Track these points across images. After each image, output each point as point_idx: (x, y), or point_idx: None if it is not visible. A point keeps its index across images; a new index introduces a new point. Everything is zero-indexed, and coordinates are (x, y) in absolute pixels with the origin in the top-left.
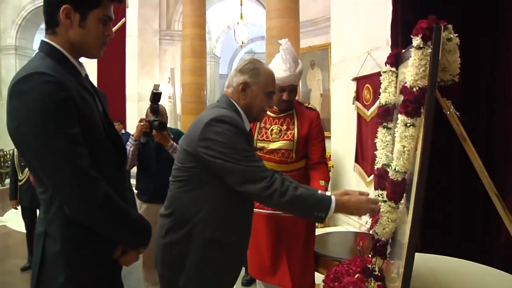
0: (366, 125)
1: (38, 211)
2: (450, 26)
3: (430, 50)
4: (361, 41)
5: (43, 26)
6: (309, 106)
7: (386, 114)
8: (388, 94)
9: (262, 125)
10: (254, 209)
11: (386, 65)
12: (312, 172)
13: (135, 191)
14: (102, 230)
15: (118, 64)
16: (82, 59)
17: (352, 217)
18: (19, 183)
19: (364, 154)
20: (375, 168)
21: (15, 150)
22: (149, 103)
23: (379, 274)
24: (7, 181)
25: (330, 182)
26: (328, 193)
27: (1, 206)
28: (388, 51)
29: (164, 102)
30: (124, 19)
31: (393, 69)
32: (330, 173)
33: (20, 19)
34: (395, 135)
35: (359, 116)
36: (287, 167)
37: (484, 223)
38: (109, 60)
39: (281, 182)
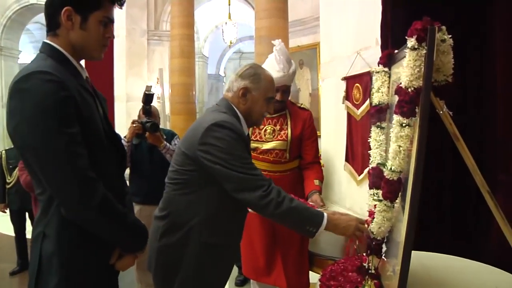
0: (356, 124)
1: (27, 214)
2: (444, 27)
3: (424, 51)
4: (350, 40)
5: (29, 26)
6: (302, 106)
7: (379, 114)
8: (381, 94)
9: None
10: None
11: (378, 65)
12: (306, 172)
13: None
14: (99, 232)
15: (106, 65)
16: None
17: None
18: (7, 186)
19: (354, 153)
20: (370, 168)
21: (3, 152)
22: (139, 103)
23: (374, 273)
24: None
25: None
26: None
27: None
28: (377, 50)
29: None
30: None
31: (386, 69)
32: None
33: (5, 19)
34: (389, 134)
35: (349, 116)
36: (281, 167)
37: (475, 222)
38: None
39: (278, 193)
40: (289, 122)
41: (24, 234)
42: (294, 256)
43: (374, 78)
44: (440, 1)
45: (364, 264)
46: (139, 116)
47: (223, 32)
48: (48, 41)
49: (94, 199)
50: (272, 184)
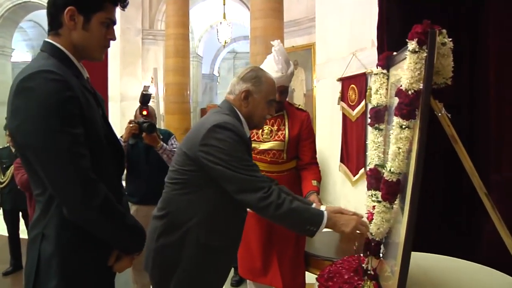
0: (351, 125)
1: (20, 214)
2: (444, 30)
3: (425, 54)
4: (346, 41)
5: (22, 24)
6: (300, 107)
7: (377, 116)
8: (379, 96)
9: None
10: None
11: (377, 67)
12: (304, 173)
13: None
14: (99, 233)
15: (100, 64)
16: None
17: None
18: (1, 186)
19: (349, 154)
20: (368, 169)
21: None
22: (133, 103)
23: (373, 273)
24: None
25: None
26: (322, 207)
27: None
28: (373, 52)
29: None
30: None
31: (384, 71)
32: None
33: None
34: (388, 136)
35: (344, 116)
36: (278, 168)
37: (468, 222)
38: None
39: (278, 194)
40: (286, 123)
41: (18, 234)
42: (290, 257)
43: (372, 79)
44: (437, 3)
45: (363, 265)
46: (135, 116)
47: (217, 32)
48: (50, 40)
49: (96, 200)
50: (272, 185)
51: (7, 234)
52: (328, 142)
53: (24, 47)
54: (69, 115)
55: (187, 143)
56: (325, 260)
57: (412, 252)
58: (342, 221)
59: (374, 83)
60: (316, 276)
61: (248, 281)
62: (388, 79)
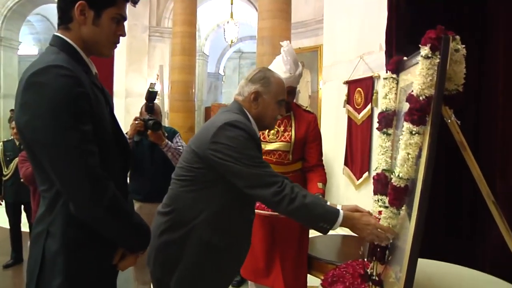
0: (356, 128)
1: (22, 206)
2: (458, 37)
3: (438, 60)
4: (353, 45)
5: (29, 17)
6: (307, 108)
7: (386, 120)
8: (388, 101)
9: None
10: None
11: (387, 72)
12: (309, 175)
13: None
14: (105, 231)
15: (106, 60)
16: None
17: None
18: (4, 178)
19: (353, 157)
20: (375, 174)
21: (1, 144)
22: (138, 100)
23: (377, 279)
24: None
25: None
26: (338, 206)
27: None
28: (381, 56)
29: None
30: None
31: (394, 75)
32: None
33: (6, 9)
34: (398, 142)
35: (350, 119)
36: (283, 169)
37: (472, 228)
38: None
39: (291, 189)
40: (293, 124)
41: (19, 227)
42: (292, 259)
43: (381, 84)
44: (447, 7)
45: (367, 270)
46: (141, 113)
47: (224, 31)
48: (59, 35)
49: (105, 197)
50: (285, 180)
51: (8, 227)
52: (332, 144)
53: (31, 41)
54: (79, 111)
55: (197, 141)
56: (328, 264)
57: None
58: (359, 225)
59: (383, 88)
60: (320, 279)
61: (249, 282)
62: (397, 83)
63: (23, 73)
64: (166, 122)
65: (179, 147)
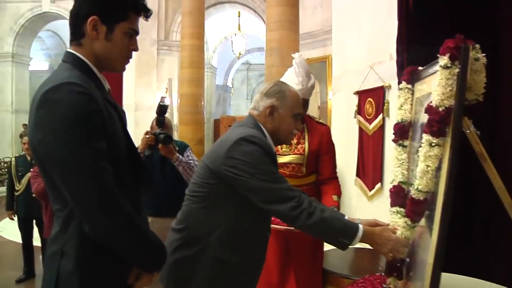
0: (368, 139)
1: (34, 221)
2: (477, 45)
3: (457, 70)
4: (363, 54)
5: (40, 34)
6: (320, 121)
7: (402, 132)
8: (404, 112)
9: None
10: None
11: (401, 82)
12: (324, 187)
13: None
14: (121, 250)
15: (115, 74)
16: None
17: None
18: (16, 193)
19: (365, 168)
20: (392, 186)
21: (13, 159)
22: (148, 113)
23: None
24: (1, 189)
25: None
26: (357, 221)
27: None
28: (391, 65)
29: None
30: None
31: (409, 86)
32: None
33: (18, 26)
34: (415, 153)
35: (361, 130)
36: (297, 182)
37: (486, 238)
38: None
39: (309, 203)
40: (306, 136)
41: (31, 242)
42: (307, 273)
43: (397, 94)
44: (458, 16)
45: (385, 286)
46: (151, 127)
47: (232, 43)
48: (72, 51)
49: (121, 216)
50: (303, 194)
51: (20, 241)
52: (343, 155)
53: (42, 56)
54: (93, 129)
55: (211, 156)
56: (344, 278)
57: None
58: (379, 241)
59: (398, 98)
60: None
61: None
62: (412, 94)
63: (36, 91)
64: (175, 135)
65: (190, 161)
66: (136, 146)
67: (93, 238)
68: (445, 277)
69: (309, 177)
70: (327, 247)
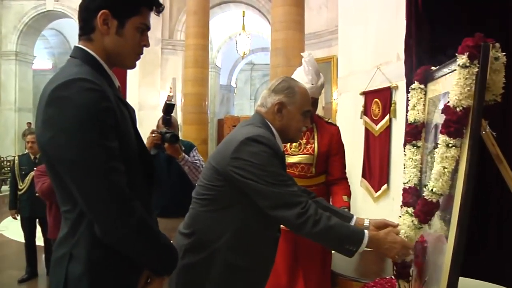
0: (374, 140)
1: (37, 220)
2: (497, 44)
3: (476, 69)
4: (369, 55)
5: (44, 32)
6: (329, 121)
7: (415, 132)
8: (417, 112)
9: None
10: None
11: (414, 82)
12: (334, 188)
13: None
14: (132, 253)
15: (119, 72)
16: None
17: None
18: (19, 193)
19: (371, 170)
20: (407, 187)
21: (16, 158)
22: (152, 112)
23: None
24: (3, 187)
25: None
26: (366, 221)
27: None
28: (398, 66)
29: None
30: None
31: (422, 86)
32: None
33: (22, 25)
34: (428, 154)
35: (367, 131)
36: (306, 182)
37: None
38: None
39: (315, 210)
40: (315, 136)
41: (34, 242)
42: (316, 276)
43: (409, 95)
44: (466, 17)
45: None
46: (158, 126)
47: (236, 43)
48: (81, 46)
49: (132, 218)
50: (309, 201)
51: (23, 241)
52: (349, 156)
53: (46, 55)
54: (106, 127)
55: (217, 157)
56: (353, 281)
57: None
58: (386, 245)
59: (411, 98)
60: None
61: None
62: (425, 94)
63: (44, 87)
64: (180, 135)
65: (196, 161)
66: None
67: (103, 241)
68: (460, 281)
69: (319, 177)
70: None
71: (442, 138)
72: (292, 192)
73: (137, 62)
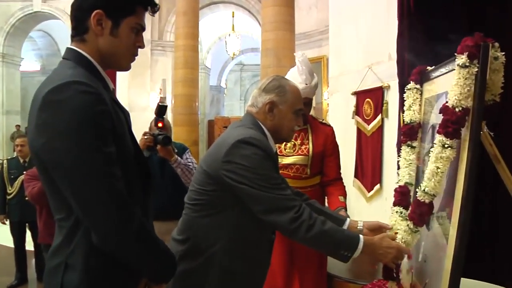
0: (366, 140)
1: (27, 225)
2: (497, 44)
3: (476, 69)
4: (361, 55)
5: (32, 33)
6: (324, 121)
7: (411, 132)
8: (412, 112)
9: None
10: None
11: (410, 82)
12: (329, 188)
13: None
14: (131, 260)
15: (109, 74)
16: None
17: None
18: (8, 197)
19: (364, 169)
20: (398, 186)
21: (5, 161)
22: (141, 114)
23: None
24: None
25: None
26: (360, 223)
27: None
28: (390, 65)
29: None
30: None
31: (418, 86)
32: None
33: (9, 26)
34: (424, 155)
35: (359, 131)
36: (301, 183)
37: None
38: None
39: (309, 214)
40: (310, 137)
41: (24, 247)
42: (312, 278)
43: (405, 95)
44: (458, 15)
45: None
46: (150, 128)
47: (226, 44)
48: (74, 47)
49: (131, 226)
50: (303, 204)
51: (12, 246)
52: (341, 156)
53: (33, 57)
54: (102, 131)
55: (208, 160)
56: (349, 283)
57: None
58: (380, 250)
59: (407, 99)
60: None
61: None
62: (421, 94)
63: (37, 90)
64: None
65: (189, 164)
66: None
67: (101, 249)
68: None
69: (314, 178)
70: None
71: (438, 138)
72: (285, 195)
73: None
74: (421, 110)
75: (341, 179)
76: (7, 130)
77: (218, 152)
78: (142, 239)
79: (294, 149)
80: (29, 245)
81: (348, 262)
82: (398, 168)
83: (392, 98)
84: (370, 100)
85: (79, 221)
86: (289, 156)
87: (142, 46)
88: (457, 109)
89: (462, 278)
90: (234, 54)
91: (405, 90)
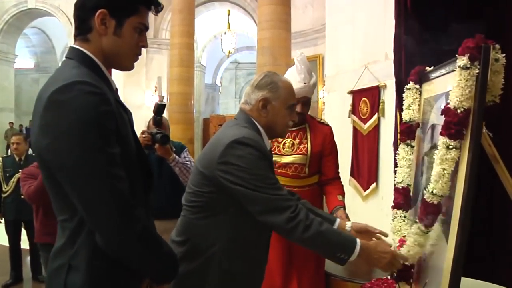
0: (362, 139)
1: (22, 224)
2: (497, 45)
3: (477, 71)
4: (357, 54)
5: (26, 31)
6: (322, 121)
7: (409, 131)
8: (412, 112)
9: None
10: None
11: (409, 82)
12: (328, 188)
13: None
14: (135, 262)
15: None
16: None
17: None
18: (3, 195)
19: (360, 168)
20: (399, 187)
21: (0, 159)
22: (137, 112)
23: None
24: None
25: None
26: (348, 224)
27: None
28: (387, 65)
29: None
30: None
31: (417, 86)
32: None
33: (2, 23)
34: (424, 155)
35: (355, 130)
36: (300, 182)
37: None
38: None
39: (306, 215)
40: (308, 136)
41: (19, 245)
42: (310, 276)
43: (404, 95)
44: (456, 15)
45: None
46: (148, 127)
47: (221, 42)
48: (77, 47)
49: (136, 227)
50: (299, 204)
51: (7, 244)
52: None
53: (27, 54)
54: (107, 132)
55: (203, 161)
56: (347, 281)
57: None
58: (375, 255)
59: (406, 98)
60: None
61: None
62: (420, 94)
63: (41, 90)
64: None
65: (187, 162)
66: None
67: (104, 251)
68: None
69: (312, 177)
70: None
71: (442, 140)
72: (281, 195)
73: None
74: (420, 110)
75: (339, 178)
76: (1, 127)
77: (213, 153)
78: (144, 239)
79: (292, 148)
80: (24, 244)
81: (344, 264)
82: (395, 166)
83: (388, 97)
84: (366, 99)
85: (82, 222)
86: (288, 155)
87: (146, 46)
88: (458, 111)
89: (462, 278)
90: (229, 52)
91: (404, 90)
